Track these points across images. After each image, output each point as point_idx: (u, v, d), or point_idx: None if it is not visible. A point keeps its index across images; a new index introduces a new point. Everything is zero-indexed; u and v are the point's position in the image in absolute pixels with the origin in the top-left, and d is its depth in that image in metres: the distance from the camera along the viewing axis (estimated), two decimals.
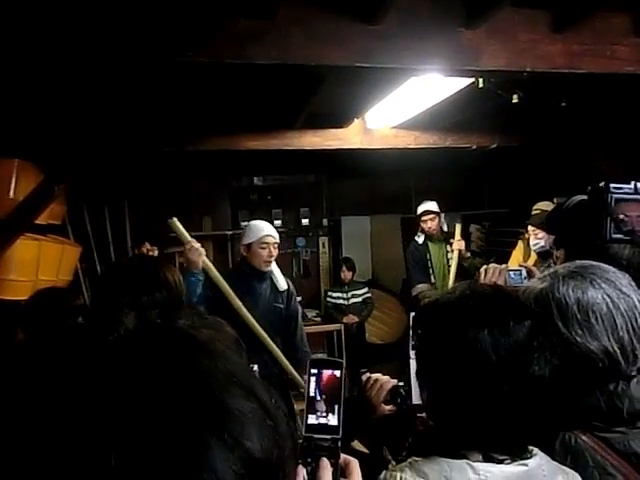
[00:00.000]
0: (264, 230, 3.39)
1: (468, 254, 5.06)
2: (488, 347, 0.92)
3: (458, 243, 4.96)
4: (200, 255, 3.03)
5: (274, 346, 3.24)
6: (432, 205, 5.21)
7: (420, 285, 5.22)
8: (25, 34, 2.07)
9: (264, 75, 2.99)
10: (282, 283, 3.48)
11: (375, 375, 1.46)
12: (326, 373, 0.87)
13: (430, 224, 5.17)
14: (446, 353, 0.98)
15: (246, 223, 3.69)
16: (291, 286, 3.57)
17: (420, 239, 5.31)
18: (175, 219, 3.14)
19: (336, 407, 0.85)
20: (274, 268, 3.45)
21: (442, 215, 5.32)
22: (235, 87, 3.40)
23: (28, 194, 4.06)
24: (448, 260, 5.14)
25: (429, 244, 5.27)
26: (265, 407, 0.46)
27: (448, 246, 5.17)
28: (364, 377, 1.48)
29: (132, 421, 0.38)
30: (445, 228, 5.34)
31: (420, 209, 5.24)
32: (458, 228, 5.08)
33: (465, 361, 0.94)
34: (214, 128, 4.33)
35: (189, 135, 4.35)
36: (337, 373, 0.87)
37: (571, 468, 1.02)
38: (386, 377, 1.45)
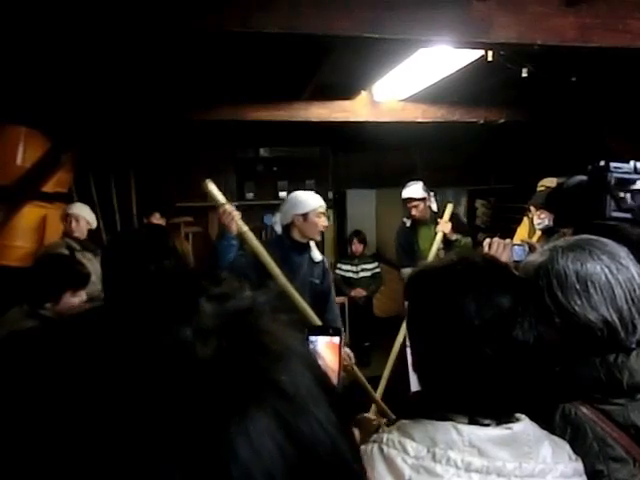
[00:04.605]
0: (318, 200, 3.34)
1: (455, 236, 4.52)
2: (472, 313, 0.94)
3: (443, 225, 4.42)
4: (233, 219, 2.96)
5: (314, 316, 3.07)
6: (416, 190, 4.67)
7: (405, 269, 4.96)
8: (33, 2, 2.06)
9: (271, 45, 2.97)
10: (317, 254, 3.42)
11: (496, 239, 1.60)
12: (325, 340, 0.87)
13: (415, 211, 4.73)
14: (432, 317, 0.99)
15: (283, 195, 3.54)
16: (326, 262, 3.51)
17: (408, 222, 4.89)
18: (209, 180, 3.01)
19: (335, 374, 0.85)
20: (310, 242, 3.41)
21: (431, 194, 4.80)
22: (242, 57, 3.37)
23: (35, 162, 4.08)
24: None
25: (417, 228, 4.88)
26: (327, 389, 0.39)
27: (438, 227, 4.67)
28: (487, 241, 1.74)
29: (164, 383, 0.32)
30: (435, 208, 4.81)
31: (404, 194, 4.73)
32: (449, 209, 4.51)
33: (449, 325, 0.96)
34: (220, 98, 4.31)
35: (195, 105, 4.34)
36: (335, 340, 0.86)
37: (571, 439, 1.04)
38: (507, 240, 1.61)
